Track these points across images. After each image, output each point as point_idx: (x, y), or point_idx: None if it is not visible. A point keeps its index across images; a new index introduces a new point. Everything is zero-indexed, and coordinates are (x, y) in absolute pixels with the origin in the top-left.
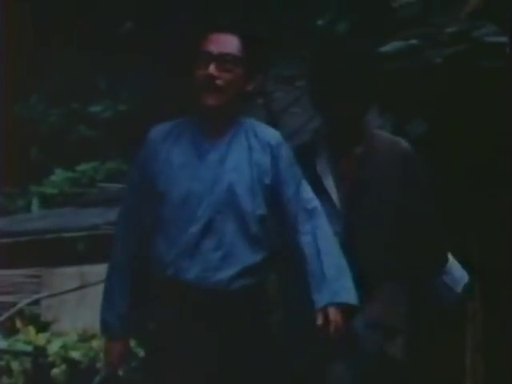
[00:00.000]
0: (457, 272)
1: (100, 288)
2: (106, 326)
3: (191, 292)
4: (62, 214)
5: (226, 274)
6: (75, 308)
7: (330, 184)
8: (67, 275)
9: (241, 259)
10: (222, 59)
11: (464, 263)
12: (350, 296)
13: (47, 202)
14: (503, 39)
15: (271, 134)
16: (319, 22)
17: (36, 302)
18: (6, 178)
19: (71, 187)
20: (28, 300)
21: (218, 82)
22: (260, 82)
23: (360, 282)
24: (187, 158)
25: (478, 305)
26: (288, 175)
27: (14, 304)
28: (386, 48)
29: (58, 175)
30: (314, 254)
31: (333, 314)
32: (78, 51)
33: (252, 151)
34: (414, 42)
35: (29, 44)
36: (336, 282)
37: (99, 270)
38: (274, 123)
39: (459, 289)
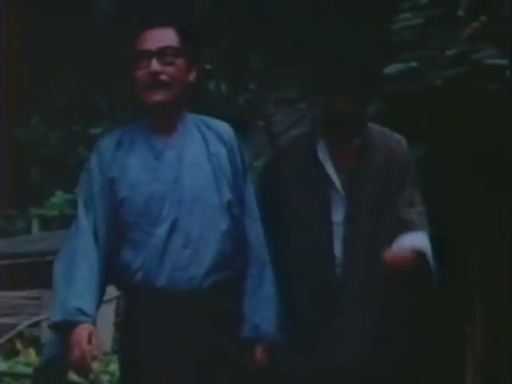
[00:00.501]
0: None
1: (100, 310)
2: (75, 310)
3: (163, 296)
4: (62, 236)
5: (198, 271)
6: None
7: (332, 172)
8: None
9: (211, 254)
10: (162, 53)
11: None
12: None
13: (47, 223)
14: (503, 62)
15: (223, 127)
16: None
17: (36, 324)
18: (7, 199)
19: (71, 209)
20: (28, 322)
21: (163, 77)
22: (200, 73)
23: (359, 279)
24: (144, 161)
25: (479, 323)
26: (242, 171)
27: (14, 326)
28: (386, 70)
29: (58, 197)
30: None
31: (258, 352)
32: (78, 73)
33: (208, 143)
34: (414, 64)
35: (29, 66)
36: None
37: None
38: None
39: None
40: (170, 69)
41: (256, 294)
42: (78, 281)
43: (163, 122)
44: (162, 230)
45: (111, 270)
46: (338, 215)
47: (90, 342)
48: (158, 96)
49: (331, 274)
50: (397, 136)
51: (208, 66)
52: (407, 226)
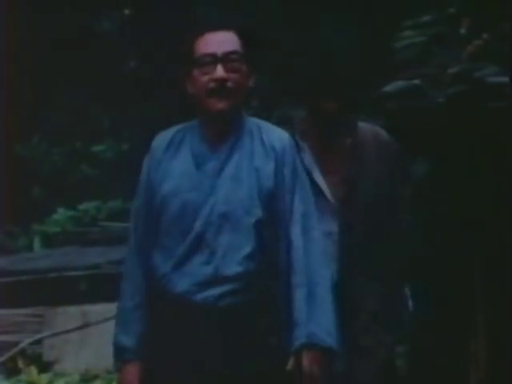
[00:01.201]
0: None
1: (102, 327)
2: (120, 348)
3: (179, 306)
4: (65, 253)
5: (215, 291)
6: (78, 348)
7: (320, 179)
8: (69, 314)
9: (232, 276)
10: (228, 59)
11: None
12: (329, 338)
13: (49, 240)
14: (505, 79)
15: (277, 137)
16: None
17: (38, 342)
18: (8, 216)
19: (73, 226)
20: (30, 339)
21: (229, 84)
22: (255, 79)
23: (357, 284)
24: (187, 166)
25: (482, 342)
26: (291, 182)
27: (15, 343)
28: (388, 88)
29: (61, 214)
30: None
31: (307, 359)
32: (80, 91)
33: (254, 156)
34: (416, 81)
35: (30, 84)
36: (314, 322)
37: (101, 310)
38: None
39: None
40: (235, 76)
41: (308, 301)
42: (123, 314)
43: (217, 129)
44: (189, 241)
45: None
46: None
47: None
48: (222, 104)
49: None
50: (379, 129)
51: None
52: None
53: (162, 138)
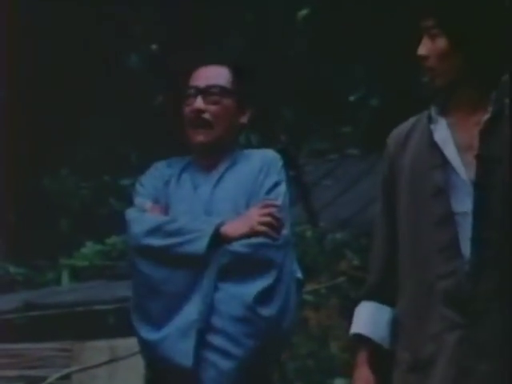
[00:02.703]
0: None
1: (131, 361)
2: None
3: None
4: (93, 287)
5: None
6: (106, 383)
7: (452, 155)
8: (98, 349)
9: None
10: (209, 92)
11: None
12: None
13: (77, 274)
14: None
15: (262, 154)
16: (351, 98)
17: (66, 377)
18: (36, 250)
19: (101, 260)
20: (58, 374)
21: (205, 115)
22: (253, 116)
23: (493, 282)
24: (186, 191)
25: None
26: (267, 190)
27: (43, 378)
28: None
29: (89, 248)
30: None
31: None
32: (106, 124)
33: (243, 179)
34: None
35: (57, 116)
36: None
37: (130, 344)
38: (305, 196)
39: None
40: (213, 108)
41: None
42: None
43: (205, 159)
44: None
45: None
46: (461, 204)
47: None
48: (201, 137)
49: (458, 276)
50: None
51: None
52: None
53: (163, 164)
